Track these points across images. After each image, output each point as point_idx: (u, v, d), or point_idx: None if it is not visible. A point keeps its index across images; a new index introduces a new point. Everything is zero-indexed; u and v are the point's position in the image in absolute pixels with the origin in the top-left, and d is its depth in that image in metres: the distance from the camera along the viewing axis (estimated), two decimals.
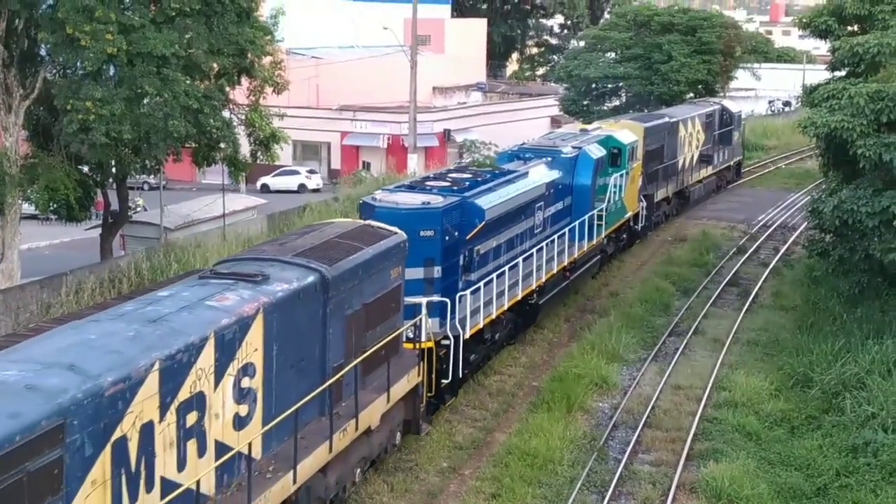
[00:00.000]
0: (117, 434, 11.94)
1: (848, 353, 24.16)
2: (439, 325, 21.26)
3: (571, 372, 24.30)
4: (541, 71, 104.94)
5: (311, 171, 67.28)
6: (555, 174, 28.58)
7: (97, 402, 11.58)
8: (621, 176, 33.56)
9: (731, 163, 51.47)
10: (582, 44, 67.40)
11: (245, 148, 35.38)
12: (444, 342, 21.21)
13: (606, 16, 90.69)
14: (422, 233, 21.00)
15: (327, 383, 16.15)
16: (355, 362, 17.07)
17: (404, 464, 19.67)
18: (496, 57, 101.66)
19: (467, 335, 21.88)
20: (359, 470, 17.95)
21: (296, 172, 66.14)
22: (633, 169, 35.38)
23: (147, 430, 12.44)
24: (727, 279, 33.99)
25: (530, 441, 20.49)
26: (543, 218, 27.55)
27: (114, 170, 32.82)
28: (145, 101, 30.00)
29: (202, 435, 13.54)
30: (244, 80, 33.87)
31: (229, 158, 34.22)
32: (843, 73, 31.66)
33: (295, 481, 14.86)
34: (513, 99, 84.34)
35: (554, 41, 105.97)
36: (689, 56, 56.61)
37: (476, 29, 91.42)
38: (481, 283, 22.96)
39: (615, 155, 33.29)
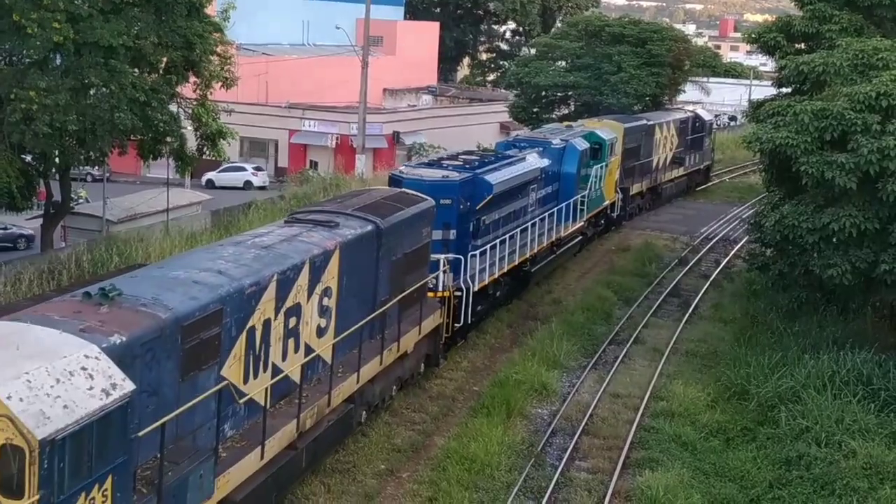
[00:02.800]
0: (250, 324, 15.92)
1: (785, 366, 24.46)
2: (453, 279, 25.28)
3: (512, 378, 24.35)
4: (491, 77, 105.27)
5: (258, 169, 66.85)
6: (545, 162, 32.28)
7: (240, 297, 15.60)
8: (601, 168, 37.76)
9: (702, 166, 55.94)
10: (533, 51, 67.63)
11: (191, 143, 35.06)
12: (457, 293, 25.30)
13: (558, 24, 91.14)
14: (441, 201, 24.68)
15: (378, 311, 20.39)
16: (397, 299, 21.22)
17: (342, 465, 19.58)
18: (448, 61, 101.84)
19: (476, 288, 26.03)
20: (395, 387, 22.25)
21: (242, 169, 65.69)
22: (612, 162, 39.49)
23: (266, 325, 16.46)
24: (668, 290, 34.28)
25: (469, 445, 20.49)
26: (536, 199, 31.40)
27: (57, 160, 32.34)
28: (91, 91, 29.61)
29: (297, 336, 17.61)
30: (192, 75, 33.58)
31: (176, 152, 33.90)
32: (788, 90, 32.10)
33: (358, 382, 19.38)
34: (463, 104, 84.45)
35: (505, 47, 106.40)
36: (638, 68, 56.94)
37: (428, 32, 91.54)
38: (487, 248, 26.93)
39: (596, 149, 37.45)
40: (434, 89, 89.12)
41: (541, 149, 33.07)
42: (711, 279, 36.05)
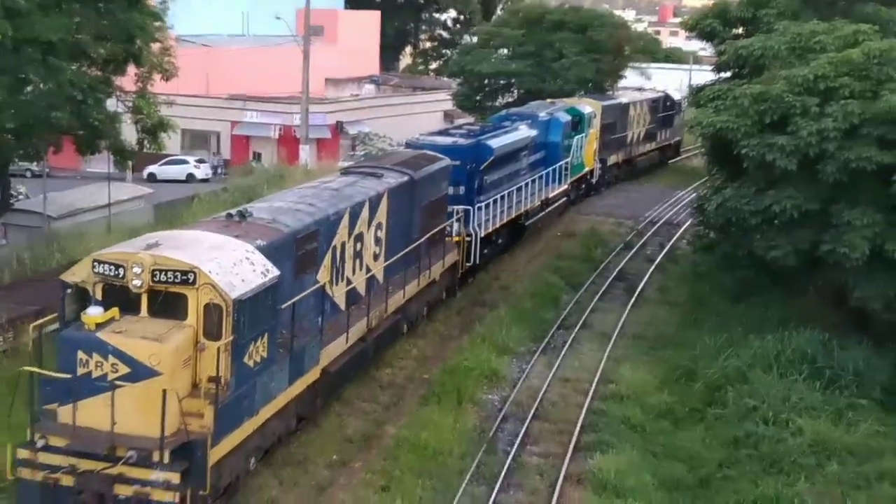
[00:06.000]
0: (333, 243, 20.95)
1: (731, 347, 24.78)
2: (464, 226, 30.05)
3: (462, 365, 24.44)
4: (434, 65, 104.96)
5: (200, 161, 66.18)
6: (534, 132, 37.32)
7: (327, 222, 20.73)
8: (582, 138, 43.24)
9: (672, 141, 61.45)
10: (475, 39, 67.63)
11: (132, 136, 34.62)
12: (468, 238, 30.16)
13: (499, 12, 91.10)
14: (452, 162, 29.16)
15: (413, 245, 25.37)
16: (426, 237, 26.27)
17: (294, 457, 19.52)
18: (390, 50, 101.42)
19: (482, 234, 30.98)
20: (425, 308, 27.50)
21: (184, 162, 64.98)
22: (591, 134, 45.07)
23: (342, 246, 21.50)
24: (614, 274, 34.56)
25: (420, 433, 20.55)
26: (527, 164, 36.31)
27: None
28: (29, 88, 29.09)
29: (361, 258, 22.59)
30: (132, 67, 33.14)
31: (114, 146, 33.44)
32: (728, 74, 32.42)
33: (404, 297, 24.82)
34: (406, 92, 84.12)
35: (447, 36, 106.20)
36: (579, 54, 57.21)
37: (370, 21, 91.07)
38: (490, 201, 31.70)
39: (577, 121, 42.53)
40: (377, 78, 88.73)
41: (529, 121, 38.28)
42: (657, 263, 36.38)
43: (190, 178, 62.75)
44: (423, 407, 22.30)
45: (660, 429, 21.99)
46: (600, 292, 32.30)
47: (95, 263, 16.24)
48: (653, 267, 35.77)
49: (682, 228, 41.56)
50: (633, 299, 31.73)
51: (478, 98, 60.96)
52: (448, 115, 74.34)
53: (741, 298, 28.15)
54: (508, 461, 20.02)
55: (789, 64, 26.30)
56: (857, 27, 26.77)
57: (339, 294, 21.33)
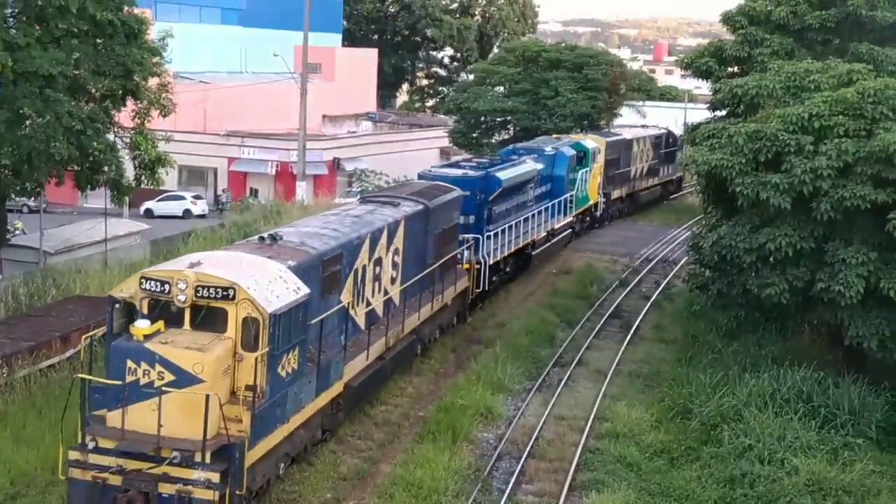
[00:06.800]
0: (355, 266, 22.40)
1: (726, 385, 24.67)
2: (474, 254, 31.37)
3: (457, 402, 24.30)
4: (431, 102, 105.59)
5: (197, 197, 66.22)
6: (540, 165, 38.80)
7: (350, 246, 22.22)
8: (586, 172, 44.70)
9: (674, 177, 62.44)
10: (471, 77, 67.99)
11: (129, 172, 34.66)
12: (477, 266, 31.43)
13: (495, 50, 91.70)
14: (462, 193, 30.53)
15: (427, 271, 26.88)
16: (439, 263, 27.76)
17: (287, 495, 19.38)
18: (387, 87, 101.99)
19: (491, 262, 32.35)
20: (437, 331, 28.86)
21: (181, 198, 65.03)
22: (595, 168, 46.71)
23: (364, 269, 22.99)
24: (610, 312, 34.48)
25: (415, 472, 20.39)
26: (533, 196, 37.79)
27: None
28: (27, 122, 29.16)
29: (380, 280, 24.19)
30: (130, 103, 33.23)
31: (112, 182, 33.48)
32: (723, 112, 32.56)
33: (419, 319, 26.30)
34: (403, 129, 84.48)
35: (444, 73, 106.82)
36: (575, 92, 57.56)
37: (367, 59, 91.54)
38: (499, 230, 33.17)
39: (581, 156, 44.13)
40: (374, 115, 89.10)
41: (536, 155, 39.97)
42: (652, 300, 36.33)
43: (187, 213, 62.75)
44: (418, 445, 22.15)
45: (655, 467, 21.85)
46: (596, 329, 32.23)
47: (143, 280, 17.63)
48: (648, 304, 35.72)
49: (678, 266, 41.53)
50: (628, 337, 31.64)
51: (474, 135, 61.22)
52: (444, 153, 74.60)
53: (736, 336, 28.07)
54: (504, 500, 19.87)
55: (784, 103, 26.42)
56: (851, 66, 26.92)
57: (360, 314, 22.91)
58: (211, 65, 78.81)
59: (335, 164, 69.25)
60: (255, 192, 66.45)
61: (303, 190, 54.47)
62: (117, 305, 17.69)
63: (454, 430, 22.71)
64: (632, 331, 32.28)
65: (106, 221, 38.59)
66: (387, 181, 58.20)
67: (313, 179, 64.95)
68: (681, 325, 32.29)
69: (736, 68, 37.18)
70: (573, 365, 28.60)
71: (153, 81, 33.95)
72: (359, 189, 60.86)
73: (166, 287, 17.41)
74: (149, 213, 60.46)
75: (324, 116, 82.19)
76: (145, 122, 34.30)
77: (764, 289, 24.64)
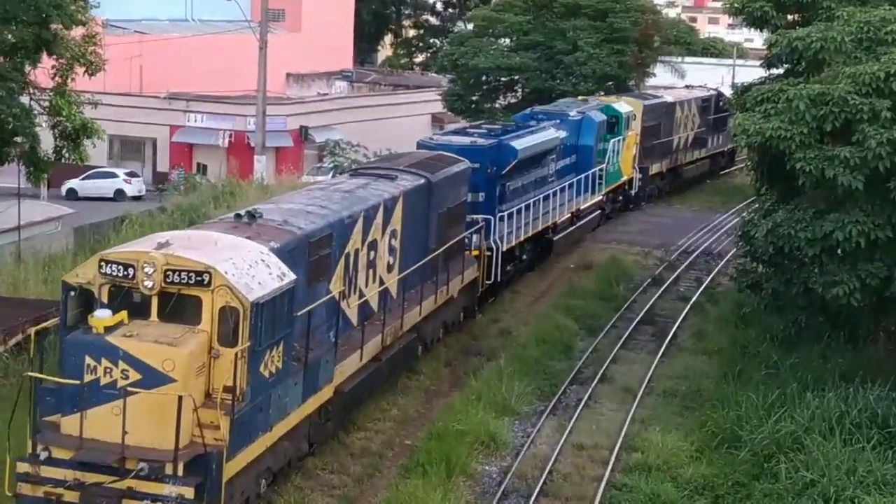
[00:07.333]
0: (346, 250, 22.96)
1: (783, 407, 24.67)
2: (484, 238, 31.69)
3: (452, 428, 24.29)
4: (420, 58, 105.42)
5: (131, 174, 66.19)
6: (563, 133, 39.02)
7: (341, 226, 22.79)
8: (618, 142, 45.19)
9: (725, 148, 62.70)
10: (470, 26, 67.92)
11: (48, 143, 34.55)
12: (488, 253, 31.86)
13: None
14: (471, 165, 30.88)
15: (430, 257, 27.36)
16: (443, 248, 28.17)
17: None
18: (366, 39, 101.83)
19: (504, 248, 32.79)
20: (441, 330, 29.55)
21: (112, 175, 65.00)
22: (629, 137, 47.06)
23: (357, 254, 23.53)
24: (640, 316, 34.51)
25: None
26: (555, 170, 38.21)
27: None
28: None
29: (374, 268, 24.65)
30: (48, 58, 33.11)
31: (27, 155, 33.38)
32: (780, 71, 32.51)
33: (420, 314, 26.80)
34: (385, 91, 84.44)
35: (436, 22, 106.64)
36: (597, 46, 57.44)
37: (341, 3, 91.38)
38: (513, 211, 33.58)
39: (613, 123, 44.76)
40: (350, 74, 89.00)
41: (558, 121, 40.26)
42: (692, 302, 36.37)
43: (119, 195, 62.80)
44: (405, 480, 22.16)
45: None
46: (623, 338, 32.26)
47: (103, 264, 17.98)
48: (688, 307, 35.76)
49: (724, 260, 41.58)
50: (663, 347, 31.69)
51: (473, 98, 61.15)
52: (437, 120, 74.66)
53: (795, 346, 28.10)
54: None
55: (855, 59, 26.38)
56: None
57: (352, 307, 23.47)
58: (149, 11, 78.65)
59: (302, 135, 69.28)
60: (203, 169, 66.45)
61: (262, 166, 54.49)
62: (72, 293, 18.08)
63: (448, 461, 22.71)
64: (667, 340, 32.33)
65: (19, 204, 38.51)
66: (366, 155, 58.22)
67: (275, 153, 64.98)
68: (727, 333, 32.32)
69: (797, 16, 37.09)
70: (595, 382, 28.63)
71: (77, 31, 33.83)
72: (331, 165, 60.88)
73: (130, 271, 17.76)
74: (72, 194, 60.57)
75: (288, 75, 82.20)
76: (68, 81, 34.18)
77: (830, 288, 24.64)
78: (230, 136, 67.81)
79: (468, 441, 23.91)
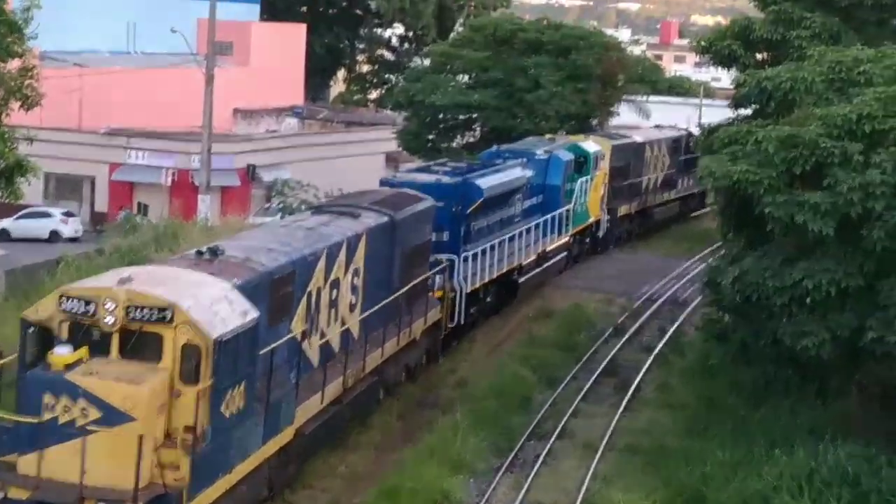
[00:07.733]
0: (308, 288, 23.44)
1: (750, 464, 24.66)
2: (448, 279, 32.28)
3: (404, 486, 24.13)
4: (374, 94, 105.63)
5: (68, 214, 65.73)
6: (529, 173, 40.14)
7: (304, 263, 23.26)
8: (586, 181, 45.92)
9: (696, 191, 62.74)
10: (427, 62, 68.11)
11: None
12: (451, 294, 32.45)
13: (458, 28, 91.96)
14: (435, 203, 31.41)
15: (393, 297, 27.82)
16: (406, 288, 28.83)
17: None
18: (318, 74, 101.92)
19: (468, 290, 33.35)
20: (403, 373, 30.24)
21: (47, 215, 64.52)
22: (597, 177, 47.86)
23: (318, 293, 23.99)
24: (602, 367, 34.49)
25: None
26: (521, 209, 39.15)
27: None
28: None
29: (336, 307, 25.24)
30: None
31: None
32: (748, 111, 32.76)
33: (382, 356, 27.40)
34: (338, 129, 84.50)
35: (391, 57, 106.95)
36: (560, 83, 57.62)
37: (292, 37, 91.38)
38: (478, 251, 34.21)
39: (581, 162, 45.49)
40: (300, 111, 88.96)
41: (524, 159, 41.13)
42: (656, 352, 36.38)
43: (54, 236, 62.29)
44: None
45: None
46: (584, 390, 32.23)
47: (63, 299, 18.50)
48: (651, 358, 35.79)
49: (689, 309, 41.67)
50: (625, 400, 31.67)
51: (430, 137, 61.23)
52: (391, 159, 74.64)
53: (764, 400, 28.15)
54: None
55: (826, 100, 26.57)
56: None
57: (313, 347, 24.04)
58: (89, 43, 78.37)
59: (249, 173, 69.04)
60: (144, 209, 66.08)
61: (206, 206, 54.19)
62: (31, 330, 18.56)
63: None
64: (630, 392, 32.31)
65: None
66: (316, 195, 58.07)
67: (220, 192, 64.73)
68: (693, 386, 32.31)
69: (766, 55, 37.48)
70: (554, 437, 28.56)
71: (12, 64, 33.73)
72: (279, 206, 60.70)
73: (91, 307, 18.30)
74: (4, 235, 59.97)
75: (236, 111, 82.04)
76: (2, 116, 34.05)
77: (799, 339, 24.65)
78: (173, 174, 67.52)
79: (420, 500, 23.76)
